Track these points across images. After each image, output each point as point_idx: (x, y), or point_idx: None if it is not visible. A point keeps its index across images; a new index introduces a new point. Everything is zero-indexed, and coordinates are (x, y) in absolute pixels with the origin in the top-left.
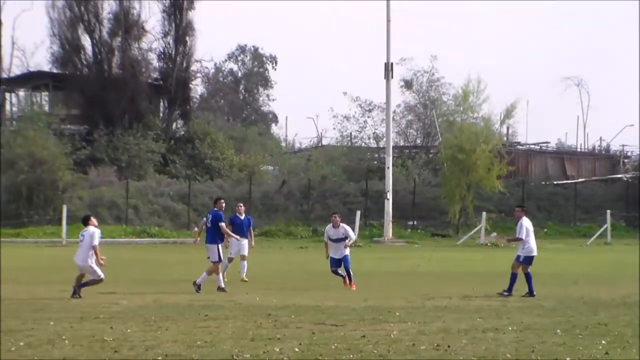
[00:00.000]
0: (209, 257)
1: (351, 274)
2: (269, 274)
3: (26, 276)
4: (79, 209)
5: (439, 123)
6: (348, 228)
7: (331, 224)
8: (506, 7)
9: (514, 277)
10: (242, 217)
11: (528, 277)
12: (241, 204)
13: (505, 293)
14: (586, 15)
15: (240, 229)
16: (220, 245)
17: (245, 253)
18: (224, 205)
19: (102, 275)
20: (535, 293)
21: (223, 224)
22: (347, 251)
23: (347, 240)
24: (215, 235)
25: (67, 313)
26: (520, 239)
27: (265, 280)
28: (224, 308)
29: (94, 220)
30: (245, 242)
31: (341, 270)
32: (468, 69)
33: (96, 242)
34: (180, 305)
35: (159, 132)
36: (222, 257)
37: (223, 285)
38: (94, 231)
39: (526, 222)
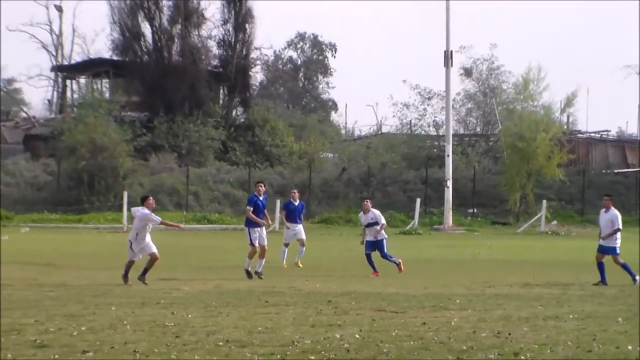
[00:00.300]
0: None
1: (378, 262)
2: (329, 260)
3: (88, 262)
4: (139, 195)
5: (498, 111)
6: (378, 213)
7: (362, 211)
8: None
9: (601, 267)
10: (297, 202)
11: (601, 267)
12: (295, 190)
13: (601, 283)
14: None
15: (294, 214)
16: (250, 229)
17: (303, 237)
18: (262, 189)
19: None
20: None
21: (249, 208)
22: (383, 235)
23: (377, 226)
24: (246, 219)
25: (128, 298)
26: (619, 229)
27: (325, 267)
28: (284, 294)
29: (151, 201)
30: (300, 227)
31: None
32: (528, 57)
33: (156, 219)
34: (241, 292)
35: (219, 119)
36: (252, 240)
37: (249, 269)
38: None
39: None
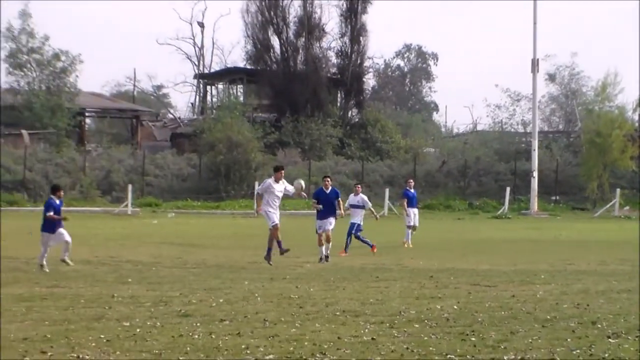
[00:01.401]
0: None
1: (349, 242)
2: (431, 241)
3: (224, 242)
4: None
5: (578, 111)
6: (366, 198)
7: (353, 193)
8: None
9: None
10: (413, 191)
11: None
12: (411, 180)
13: None
14: None
15: (413, 201)
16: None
17: (417, 223)
18: (328, 184)
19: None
20: None
21: (314, 201)
22: (361, 220)
23: (363, 210)
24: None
25: (259, 274)
26: None
27: (428, 247)
28: (392, 270)
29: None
30: (416, 211)
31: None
32: (606, 63)
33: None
34: (355, 268)
35: (337, 119)
36: (317, 230)
37: (322, 256)
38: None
39: None
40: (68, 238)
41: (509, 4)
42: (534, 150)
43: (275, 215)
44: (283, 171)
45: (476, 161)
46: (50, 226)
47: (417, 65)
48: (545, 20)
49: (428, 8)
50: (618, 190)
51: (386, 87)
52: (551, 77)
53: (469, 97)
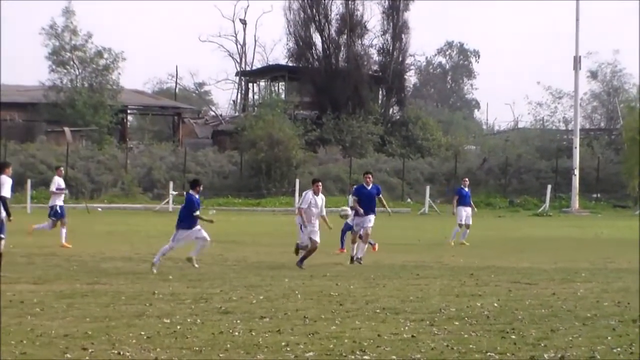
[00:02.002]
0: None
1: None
2: (472, 239)
3: (265, 240)
4: (309, 182)
5: (620, 109)
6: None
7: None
8: None
9: None
10: (467, 189)
11: None
12: (466, 179)
13: None
14: None
15: (465, 199)
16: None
17: (470, 222)
18: (370, 180)
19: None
20: None
21: (355, 198)
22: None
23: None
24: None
25: (299, 272)
26: None
27: (469, 245)
28: (432, 268)
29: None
30: (470, 210)
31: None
32: None
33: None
34: (395, 266)
35: (378, 117)
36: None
37: (353, 255)
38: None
39: None
40: (207, 236)
41: (551, 2)
42: (575, 147)
43: (313, 232)
44: (320, 183)
45: (517, 159)
46: (188, 222)
47: (459, 63)
48: (588, 18)
49: (469, 5)
50: None
51: (428, 84)
52: (593, 75)
53: (510, 94)
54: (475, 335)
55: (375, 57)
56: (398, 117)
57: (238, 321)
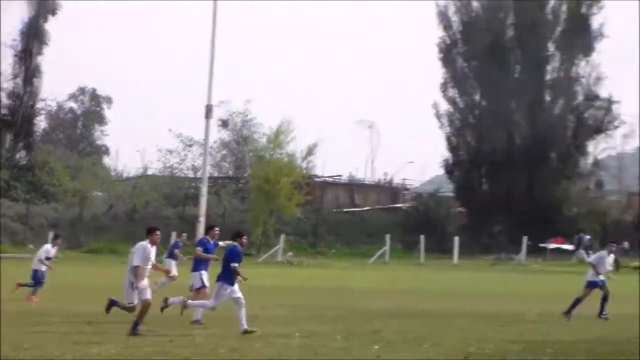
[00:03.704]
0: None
1: None
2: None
3: None
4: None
5: (249, 157)
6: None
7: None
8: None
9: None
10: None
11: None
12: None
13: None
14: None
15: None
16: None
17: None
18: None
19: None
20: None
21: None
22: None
23: None
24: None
25: None
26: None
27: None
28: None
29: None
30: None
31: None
32: (281, 111)
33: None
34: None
35: (4, 161)
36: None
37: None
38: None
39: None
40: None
41: (183, 50)
42: (202, 195)
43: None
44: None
45: (145, 205)
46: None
47: (91, 109)
48: (221, 65)
49: (103, 51)
50: (282, 236)
51: (57, 129)
52: (224, 123)
53: (141, 141)
54: None
55: (5, 100)
56: (25, 162)
57: None
